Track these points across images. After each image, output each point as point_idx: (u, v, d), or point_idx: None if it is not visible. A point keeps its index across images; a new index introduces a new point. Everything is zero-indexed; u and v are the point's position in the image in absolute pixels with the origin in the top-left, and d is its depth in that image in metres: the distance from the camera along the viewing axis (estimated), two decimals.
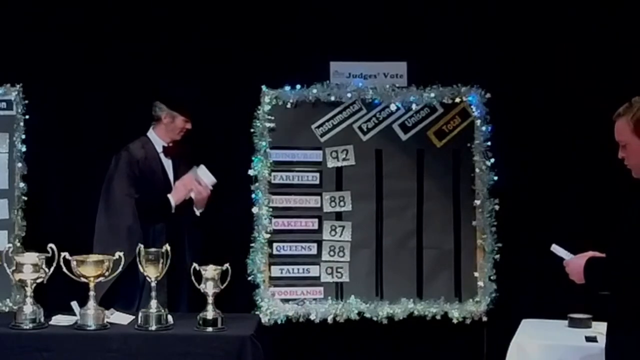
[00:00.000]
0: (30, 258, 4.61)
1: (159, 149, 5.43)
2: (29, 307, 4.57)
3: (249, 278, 5.55)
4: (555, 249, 3.93)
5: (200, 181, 5.39)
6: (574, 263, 3.75)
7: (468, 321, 5.59)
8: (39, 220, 5.64)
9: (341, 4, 5.89)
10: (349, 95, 5.69)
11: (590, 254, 3.77)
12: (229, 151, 5.75)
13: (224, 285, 4.69)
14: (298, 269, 5.68)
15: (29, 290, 4.59)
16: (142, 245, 4.67)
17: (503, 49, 5.83)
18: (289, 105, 5.67)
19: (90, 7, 5.89)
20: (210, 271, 4.65)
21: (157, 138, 5.44)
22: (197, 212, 5.42)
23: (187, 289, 5.13)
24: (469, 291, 5.65)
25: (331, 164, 5.71)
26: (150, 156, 5.39)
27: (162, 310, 4.59)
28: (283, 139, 5.67)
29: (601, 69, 5.80)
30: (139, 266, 4.66)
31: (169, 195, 5.35)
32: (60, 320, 4.65)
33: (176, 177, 5.43)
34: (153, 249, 4.67)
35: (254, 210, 5.58)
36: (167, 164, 5.45)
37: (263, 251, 5.60)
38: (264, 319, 5.41)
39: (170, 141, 5.44)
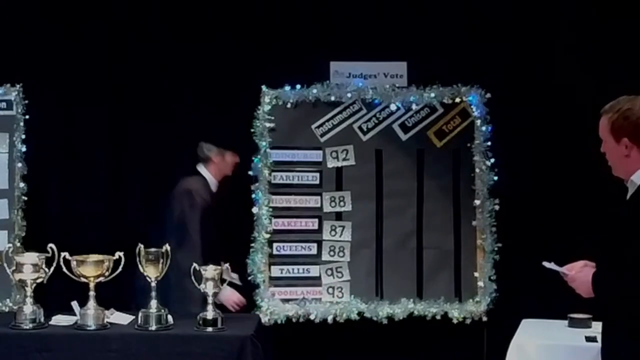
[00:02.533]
0: (30, 258, 4.61)
1: (214, 189, 5.48)
2: (29, 307, 4.56)
3: (249, 278, 5.55)
4: (547, 264, 3.92)
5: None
6: (580, 278, 3.69)
7: (468, 321, 5.59)
8: (39, 220, 5.64)
9: (341, 4, 5.89)
10: (349, 95, 5.69)
11: (582, 264, 3.76)
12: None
13: (224, 285, 4.70)
14: (298, 269, 5.69)
15: (29, 290, 4.59)
16: (142, 245, 4.67)
17: (503, 49, 5.84)
18: (289, 105, 5.68)
19: (90, 7, 5.89)
20: (210, 271, 4.65)
21: (211, 177, 5.50)
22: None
23: None
24: (469, 291, 5.65)
25: (331, 164, 5.71)
26: (209, 196, 5.43)
27: (162, 310, 4.59)
28: (283, 139, 5.67)
29: (601, 69, 5.80)
30: (139, 266, 4.66)
31: (221, 294, 5.12)
32: (60, 320, 4.65)
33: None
34: (153, 249, 4.67)
35: (254, 210, 5.58)
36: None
37: (263, 251, 5.60)
38: (264, 319, 5.41)
39: (221, 178, 5.52)
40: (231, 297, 5.32)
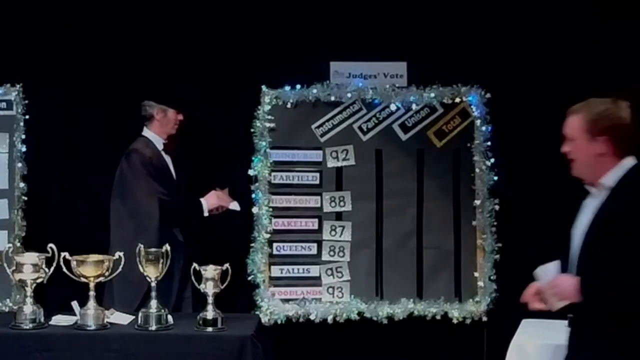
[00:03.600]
0: (30, 258, 4.61)
1: (160, 147, 5.43)
2: (29, 307, 4.56)
3: (249, 278, 5.55)
4: (541, 272, 3.91)
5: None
6: (563, 282, 3.69)
7: (468, 321, 5.59)
8: (39, 220, 5.64)
9: (341, 4, 5.89)
10: (349, 95, 5.69)
11: (553, 265, 3.79)
12: (229, 151, 5.75)
13: (224, 285, 4.69)
14: (298, 269, 5.69)
15: (29, 290, 4.59)
16: (142, 245, 4.67)
17: (503, 48, 5.84)
18: (289, 105, 5.68)
19: (90, 7, 5.89)
20: (210, 271, 4.65)
21: (155, 135, 5.43)
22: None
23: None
24: (469, 291, 5.65)
25: (331, 164, 5.71)
26: (156, 154, 5.39)
27: (162, 310, 4.59)
28: (283, 139, 5.68)
29: (601, 69, 5.80)
30: (139, 266, 4.66)
31: (202, 200, 5.38)
32: (60, 320, 4.65)
33: (177, 173, 5.44)
34: (153, 249, 4.67)
35: (254, 210, 5.59)
36: (168, 160, 5.45)
37: (263, 251, 5.60)
38: (264, 319, 5.41)
39: (166, 137, 5.44)
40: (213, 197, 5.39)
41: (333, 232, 5.70)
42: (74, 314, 4.63)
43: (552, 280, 3.75)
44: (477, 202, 5.63)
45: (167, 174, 5.40)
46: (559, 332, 4.64)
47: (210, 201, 5.40)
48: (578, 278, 3.59)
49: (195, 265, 4.70)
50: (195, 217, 5.38)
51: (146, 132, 5.45)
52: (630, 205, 3.49)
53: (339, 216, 5.71)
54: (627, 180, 3.54)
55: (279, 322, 5.55)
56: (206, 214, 5.39)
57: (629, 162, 3.58)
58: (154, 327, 4.54)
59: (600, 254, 3.55)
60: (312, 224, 5.70)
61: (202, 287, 4.64)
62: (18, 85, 5.64)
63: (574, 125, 3.79)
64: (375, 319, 5.58)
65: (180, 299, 5.28)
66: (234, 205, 5.46)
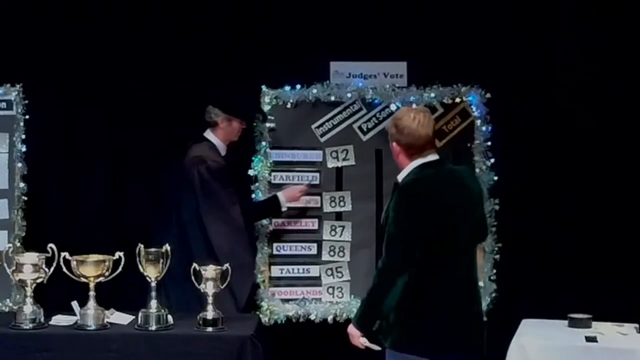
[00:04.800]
0: (30, 258, 4.61)
1: (223, 153, 5.46)
2: (29, 307, 4.57)
3: None
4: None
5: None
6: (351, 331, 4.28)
7: None
8: (39, 220, 5.64)
9: (341, 4, 5.89)
10: (349, 95, 5.69)
11: None
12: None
13: (224, 285, 4.70)
14: (298, 269, 5.69)
15: (29, 290, 4.59)
16: (142, 245, 4.67)
17: (503, 48, 5.83)
18: (289, 105, 5.67)
19: (90, 7, 5.89)
20: (210, 271, 4.65)
21: (219, 141, 5.46)
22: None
23: None
24: None
25: (331, 164, 5.71)
26: (220, 159, 5.41)
27: (162, 310, 4.59)
28: (283, 139, 5.67)
29: (601, 68, 5.80)
30: (139, 266, 4.66)
31: (278, 194, 5.46)
32: (60, 320, 4.65)
33: None
34: (153, 249, 4.67)
35: None
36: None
37: (263, 251, 5.60)
38: (264, 319, 5.41)
39: (228, 143, 5.49)
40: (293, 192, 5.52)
41: (333, 232, 5.70)
42: (74, 314, 4.63)
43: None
44: None
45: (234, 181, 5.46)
46: (559, 332, 4.64)
47: (289, 195, 5.49)
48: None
49: (195, 265, 4.70)
50: (274, 215, 5.53)
51: (210, 136, 5.45)
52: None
53: (339, 216, 5.71)
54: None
55: (279, 322, 5.55)
56: (284, 208, 5.50)
57: (416, 162, 4.17)
58: (154, 327, 4.54)
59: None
60: (312, 224, 5.70)
61: (202, 287, 4.64)
62: (18, 85, 5.63)
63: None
64: None
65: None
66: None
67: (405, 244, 4.04)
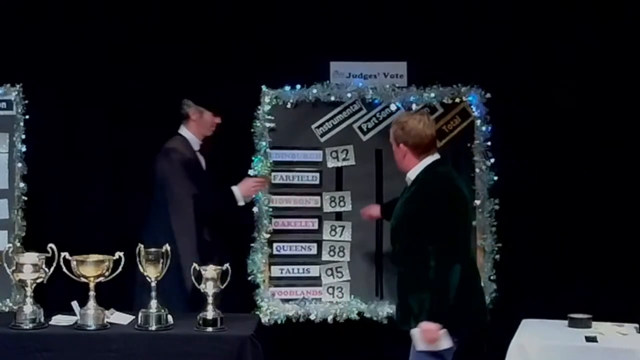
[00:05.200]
0: (30, 258, 4.61)
1: (196, 147, 5.45)
2: (29, 307, 4.57)
3: (249, 278, 5.55)
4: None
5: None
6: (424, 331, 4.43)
7: None
8: (39, 220, 5.64)
9: (341, 4, 5.89)
10: (349, 95, 5.69)
11: None
12: (229, 151, 5.74)
13: (224, 285, 4.70)
14: (298, 269, 5.69)
15: (29, 290, 4.59)
16: (142, 245, 4.67)
17: (503, 48, 5.84)
18: (289, 105, 5.67)
19: (90, 7, 5.89)
20: (210, 271, 4.65)
21: (192, 135, 5.46)
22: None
23: None
24: None
25: (331, 164, 5.71)
26: (192, 154, 5.42)
27: (162, 310, 4.59)
28: (283, 139, 5.67)
29: (601, 68, 5.80)
30: (139, 266, 4.66)
31: (233, 188, 5.37)
32: (60, 320, 4.65)
33: (209, 174, 5.48)
34: (153, 249, 4.67)
35: (254, 210, 5.58)
36: (202, 162, 5.48)
37: (263, 251, 5.60)
38: (264, 319, 5.41)
39: (202, 137, 5.47)
40: (248, 182, 5.40)
41: (333, 232, 5.70)
42: (74, 314, 4.63)
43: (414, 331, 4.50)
44: (477, 202, 5.61)
45: (203, 176, 5.43)
46: (559, 332, 4.65)
47: (243, 188, 5.39)
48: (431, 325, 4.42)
49: (195, 265, 4.70)
50: (229, 209, 5.40)
51: (183, 131, 5.48)
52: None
53: (339, 216, 5.71)
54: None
55: (279, 322, 5.54)
56: (241, 202, 5.39)
57: (426, 160, 4.56)
58: (154, 327, 4.54)
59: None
60: (312, 224, 5.70)
61: (202, 287, 4.65)
62: (18, 85, 5.63)
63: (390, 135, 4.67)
64: (375, 319, 5.58)
65: None
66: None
67: (459, 231, 4.46)
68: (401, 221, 4.57)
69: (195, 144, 5.46)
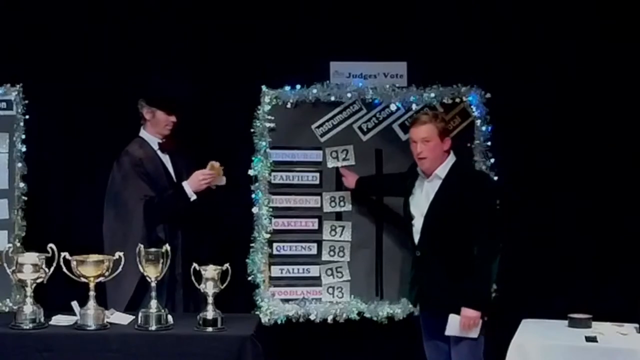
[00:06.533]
0: (30, 258, 4.62)
1: (155, 147, 5.44)
2: (29, 307, 4.57)
3: (249, 278, 5.55)
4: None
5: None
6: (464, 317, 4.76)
7: None
8: (39, 220, 5.64)
9: (341, 4, 5.89)
10: (349, 95, 5.68)
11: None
12: (229, 151, 5.74)
13: (224, 285, 4.70)
14: (298, 269, 5.68)
15: (29, 290, 4.60)
16: (141, 245, 4.67)
17: (503, 49, 5.84)
18: (289, 105, 5.67)
19: (89, 7, 5.89)
20: (210, 271, 4.66)
21: (149, 135, 5.46)
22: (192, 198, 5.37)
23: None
24: None
25: (331, 164, 5.71)
26: (149, 155, 5.40)
27: (162, 310, 4.59)
28: (283, 139, 5.67)
29: (601, 68, 5.81)
30: (139, 266, 4.66)
31: (183, 183, 5.34)
32: (60, 320, 4.66)
33: (176, 172, 5.43)
34: (153, 249, 4.67)
35: (254, 210, 5.58)
36: (165, 159, 5.46)
37: (263, 251, 5.59)
38: (264, 319, 5.41)
39: (161, 137, 5.45)
40: (197, 176, 5.31)
41: (333, 232, 5.70)
42: (74, 314, 4.64)
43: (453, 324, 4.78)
44: None
45: (162, 174, 5.40)
46: (559, 332, 4.65)
47: (193, 183, 5.33)
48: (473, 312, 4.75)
49: (195, 265, 4.70)
50: (182, 204, 5.31)
51: (142, 132, 5.49)
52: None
53: (339, 216, 5.71)
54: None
55: (279, 322, 5.54)
56: (193, 197, 5.33)
57: (452, 157, 4.96)
58: (154, 327, 4.54)
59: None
60: (312, 224, 5.70)
61: (202, 287, 4.65)
62: (18, 85, 5.63)
63: (428, 131, 4.93)
64: (375, 319, 5.58)
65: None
66: (221, 181, 5.37)
67: (500, 221, 4.84)
68: (440, 211, 4.86)
69: (154, 142, 5.44)
